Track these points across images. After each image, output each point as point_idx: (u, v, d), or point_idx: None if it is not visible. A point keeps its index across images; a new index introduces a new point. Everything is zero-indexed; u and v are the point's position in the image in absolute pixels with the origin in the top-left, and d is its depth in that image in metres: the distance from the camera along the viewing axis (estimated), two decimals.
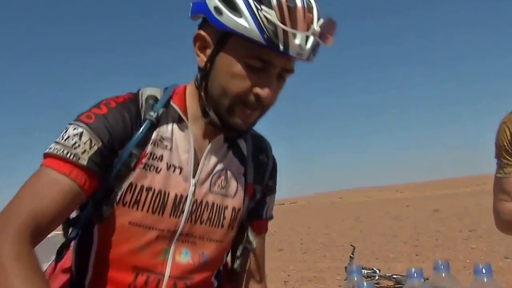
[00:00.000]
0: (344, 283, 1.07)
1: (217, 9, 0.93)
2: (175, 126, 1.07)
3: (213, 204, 1.10)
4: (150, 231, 1.03)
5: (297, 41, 0.92)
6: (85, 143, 0.96)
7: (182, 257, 1.07)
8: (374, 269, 6.71)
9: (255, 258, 1.27)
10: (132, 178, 1.01)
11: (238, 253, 1.20)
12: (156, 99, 1.07)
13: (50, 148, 0.96)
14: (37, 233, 0.89)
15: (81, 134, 0.96)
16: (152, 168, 1.03)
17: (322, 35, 0.94)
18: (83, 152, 0.95)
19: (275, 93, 1.01)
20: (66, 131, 0.98)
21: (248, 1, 0.91)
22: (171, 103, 1.08)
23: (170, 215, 1.04)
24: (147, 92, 1.08)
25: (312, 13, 0.95)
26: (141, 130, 1.01)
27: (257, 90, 0.97)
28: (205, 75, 1.02)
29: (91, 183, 0.97)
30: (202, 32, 1.01)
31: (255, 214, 1.24)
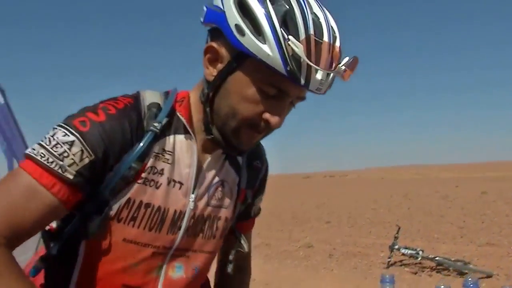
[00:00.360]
0: None
1: (238, 28, 0.83)
2: (177, 137, 0.96)
3: (208, 216, 1.04)
4: (146, 248, 0.95)
5: (319, 76, 0.84)
6: (74, 155, 0.83)
7: (175, 272, 1.00)
8: (417, 249, 6.70)
9: (244, 253, 1.21)
10: (130, 193, 0.91)
11: (231, 257, 1.16)
12: (159, 107, 0.95)
13: (33, 150, 0.84)
14: (12, 240, 0.81)
15: (71, 143, 0.84)
16: (152, 183, 0.93)
17: (343, 72, 0.87)
18: (70, 165, 0.83)
19: (284, 119, 0.94)
20: (54, 135, 0.85)
21: (276, 29, 0.82)
22: (177, 113, 0.97)
23: (168, 232, 0.97)
24: (147, 97, 0.96)
25: (338, 49, 0.88)
26: (143, 142, 0.90)
27: (267, 116, 0.90)
28: (212, 90, 0.92)
29: (74, 197, 0.86)
30: (215, 45, 0.91)
31: (244, 216, 1.18)
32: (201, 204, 1.02)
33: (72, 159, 0.83)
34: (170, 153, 0.95)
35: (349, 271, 6.99)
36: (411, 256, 6.67)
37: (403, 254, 6.75)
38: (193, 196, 0.99)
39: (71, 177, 0.83)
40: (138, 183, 0.91)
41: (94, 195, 0.89)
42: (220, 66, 0.91)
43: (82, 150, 0.84)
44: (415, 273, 6.53)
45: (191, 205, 0.99)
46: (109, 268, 0.94)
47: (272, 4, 0.84)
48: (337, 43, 0.88)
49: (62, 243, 0.93)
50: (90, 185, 0.87)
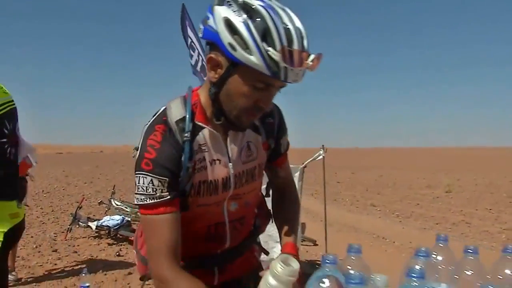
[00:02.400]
0: None
1: (231, 45, 1.11)
2: (204, 132, 1.30)
3: (247, 170, 1.41)
4: (211, 205, 1.37)
5: (293, 72, 1.12)
6: (157, 185, 1.21)
7: (232, 207, 1.42)
8: None
9: (284, 175, 1.62)
10: (192, 180, 1.29)
11: (268, 185, 1.63)
12: (184, 119, 1.26)
13: (139, 200, 1.23)
14: (177, 255, 1.24)
15: (151, 181, 1.21)
16: (202, 168, 1.30)
17: (311, 66, 1.13)
18: (161, 191, 1.22)
19: (272, 102, 1.26)
20: (139, 182, 1.23)
21: (258, 44, 1.09)
22: (196, 122, 1.28)
23: (222, 192, 1.36)
24: (173, 113, 1.27)
25: (306, 51, 1.13)
26: (186, 151, 1.24)
27: (260, 103, 1.21)
28: (217, 89, 1.22)
29: (177, 202, 1.26)
30: (214, 56, 1.18)
31: (276, 155, 1.53)
32: (238, 165, 1.38)
33: (161, 188, 1.22)
34: (204, 144, 1.31)
35: None
36: None
37: None
38: (231, 164, 1.36)
39: (168, 196, 1.23)
40: (195, 172, 1.30)
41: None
42: (220, 71, 1.20)
43: (159, 180, 1.22)
44: None
45: (231, 170, 1.37)
46: (193, 220, 1.37)
47: (252, 22, 1.10)
48: (305, 44, 1.14)
49: None
50: (177, 190, 1.26)
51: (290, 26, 1.12)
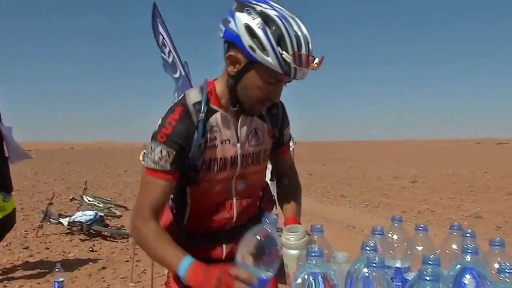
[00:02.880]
0: None
1: (251, 47, 1.31)
2: (217, 115, 1.50)
3: (253, 153, 1.60)
4: (220, 181, 1.56)
5: (301, 72, 1.34)
6: (164, 155, 1.42)
7: (239, 186, 1.61)
8: None
9: (287, 162, 1.84)
10: (204, 156, 1.49)
11: (273, 169, 1.86)
12: (200, 103, 1.48)
13: (147, 163, 1.45)
14: (156, 213, 1.44)
15: (161, 150, 1.42)
16: (212, 146, 1.50)
17: (316, 67, 1.35)
18: (166, 161, 1.42)
19: (280, 95, 1.47)
20: (152, 150, 1.44)
21: (274, 48, 1.29)
22: (211, 105, 1.50)
23: (230, 168, 1.55)
24: (191, 97, 1.49)
25: (312, 55, 1.34)
26: (200, 129, 1.45)
27: (271, 95, 1.44)
28: (235, 82, 1.42)
29: (176, 175, 1.46)
30: (233, 53, 1.37)
31: (279, 144, 1.75)
32: (245, 147, 1.58)
33: (165, 158, 1.42)
34: (216, 126, 1.51)
35: None
36: None
37: None
38: (238, 144, 1.55)
39: (169, 168, 1.43)
40: (206, 150, 1.49)
41: (188, 165, 1.48)
42: (238, 67, 1.40)
43: (167, 152, 1.42)
44: None
45: (239, 150, 1.55)
46: (204, 195, 1.57)
47: (269, 29, 1.30)
48: (311, 48, 1.35)
49: (177, 192, 1.59)
50: (181, 165, 1.46)
51: (299, 33, 1.34)
